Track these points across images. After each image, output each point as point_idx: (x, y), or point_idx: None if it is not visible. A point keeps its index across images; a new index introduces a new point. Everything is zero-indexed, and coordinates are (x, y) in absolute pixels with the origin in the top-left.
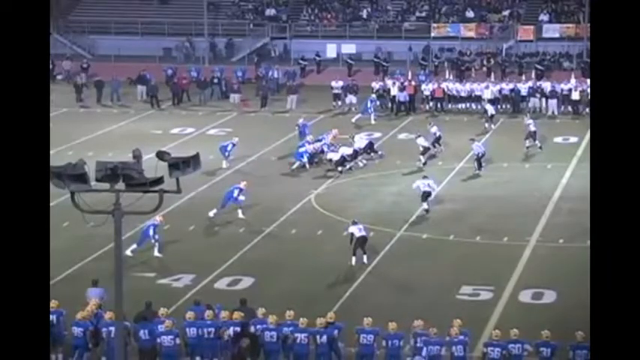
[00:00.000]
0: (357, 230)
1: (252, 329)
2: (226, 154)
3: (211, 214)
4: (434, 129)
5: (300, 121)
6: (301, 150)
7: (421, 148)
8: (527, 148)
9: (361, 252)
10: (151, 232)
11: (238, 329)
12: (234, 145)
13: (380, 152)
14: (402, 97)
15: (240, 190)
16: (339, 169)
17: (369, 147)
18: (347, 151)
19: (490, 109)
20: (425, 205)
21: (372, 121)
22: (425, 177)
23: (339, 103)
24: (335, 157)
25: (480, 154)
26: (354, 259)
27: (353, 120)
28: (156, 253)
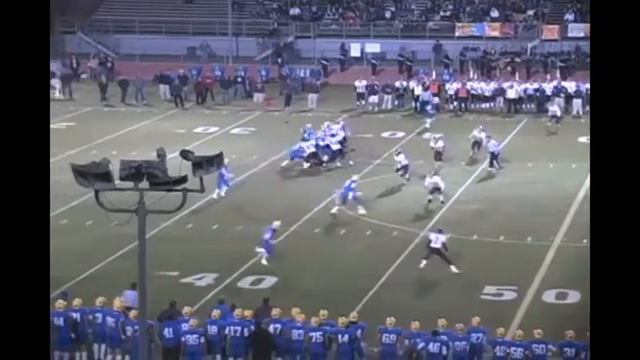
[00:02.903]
0: (434, 238)
1: (270, 328)
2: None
3: (334, 210)
4: (476, 133)
5: (308, 125)
6: (295, 148)
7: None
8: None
9: (445, 262)
10: (268, 235)
11: (255, 327)
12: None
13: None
14: (426, 96)
15: (352, 184)
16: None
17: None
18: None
19: (556, 110)
20: (440, 197)
21: (428, 125)
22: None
23: (363, 102)
24: (336, 147)
25: (496, 153)
26: (424, 262)
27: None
28: (263, 262)
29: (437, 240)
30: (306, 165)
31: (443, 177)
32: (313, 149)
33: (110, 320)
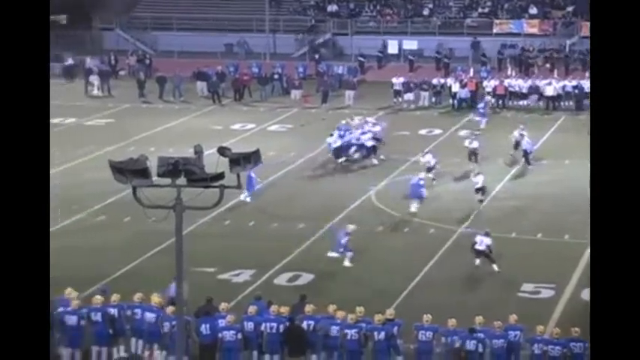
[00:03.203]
0: (479, 241)
1: (304, 324)
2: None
3: (413, 209)
4: (516, 133)
5: (343, 122)
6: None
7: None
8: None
9: (488, 261)
10: (344, 240)
11: (289, 324)
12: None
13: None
14: (463, 93)
15: (420, 181)
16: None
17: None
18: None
19: None
20: (480, 196)
21: (483, 125)
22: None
23: (399, 99)
24: (369, 143)
25: (528, 151)
26: (477, 260)
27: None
28: (347, 263)
29: (481, 242)
30: (339, 161)
31: (483, 175)
32: (339, 143)
33: (149, 316)
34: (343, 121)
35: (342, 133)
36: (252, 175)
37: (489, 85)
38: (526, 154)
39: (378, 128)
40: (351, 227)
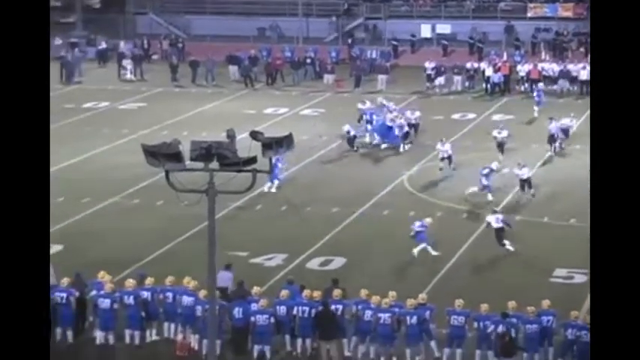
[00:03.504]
0: (494, 220)
1: (332, 307)
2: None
3: (489, 197)
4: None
5: (363, 107)
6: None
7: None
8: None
9: (501, 242)
10: (424, 234)
11: (322, 308)
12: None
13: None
14: (497, 78)
15: (491, 170)
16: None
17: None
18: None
19: None
20: (531, 191)
21: (535, 114)
22: (523, 166)
23: (432, 83)
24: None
25: (557, 135)
26: (507, 244)
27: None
28: (432, 252)
29: (498, 220)
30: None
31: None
32: (352, 133)
33: (187, 299)
34: (362, 105)
35: (368, 117)
36: (279, 164)
37: (523, 69)
38: (552, 139)
39: (417, 114)
40: (427, 220)
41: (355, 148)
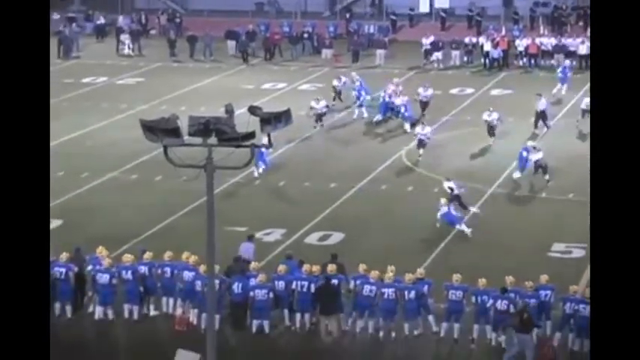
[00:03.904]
0: (455, 186)
1: (333, 282)
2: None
3: (515, 175)
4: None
5: (344, 80)
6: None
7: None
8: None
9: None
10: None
11: (322, 282)
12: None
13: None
14: (496, 53)
15: (527, 150)
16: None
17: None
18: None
19: None
20: (546, 177)
21: (563, 91)
22: (534, 148)
23: (430, 58)
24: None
25: (543, 110)
26: (472, 209)
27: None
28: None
29: (458, 188)
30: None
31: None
32: (325, 109)
33: (187, 274)
34: (337, 82)
35: (357, 93)
36: (263, 150)
37: (521, 43)
38: (543, 115)
39: (430, 92)
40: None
41: (321, 124)
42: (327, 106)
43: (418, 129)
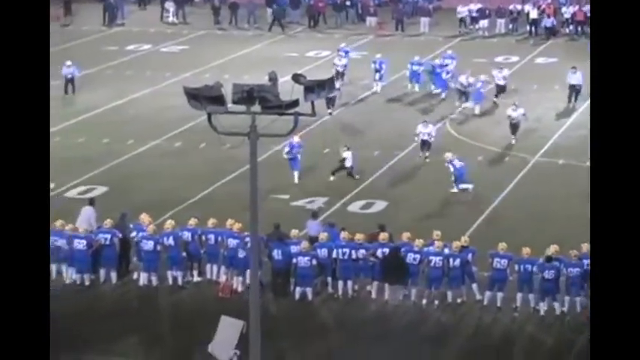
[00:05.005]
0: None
1: (378, 252)
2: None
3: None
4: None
5: (378, 56)
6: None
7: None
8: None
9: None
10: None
11: (386, 250)
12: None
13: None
14: (549, 22)
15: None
16: None
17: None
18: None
19: None
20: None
21: None
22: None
23: (476, 26)
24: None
25: (572, 85)
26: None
27: None
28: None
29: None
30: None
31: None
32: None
33: (232, 242)
34: (338, 61)
35: (377, 66)
36: (298, 156)
37: (568, 11)
38: (575, 89)
39: (506, 72)
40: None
41: (330, 112)
42: (338, 89)
43: (421, 128)
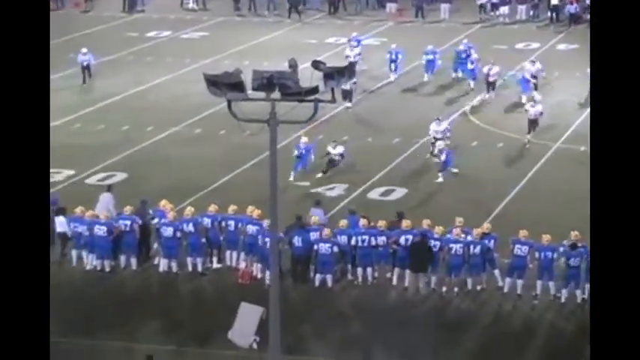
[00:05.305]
0: (332, 149)
1: (429, 239)
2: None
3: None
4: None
5: (393, 46)
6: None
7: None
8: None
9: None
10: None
11: (410, 237)
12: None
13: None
14: (572, 8)
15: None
16: None
17: None
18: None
19: None
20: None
21: None
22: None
23: (493, 13)
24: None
25: None
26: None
27: None
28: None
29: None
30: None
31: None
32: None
33: (251, 228)
34: (350, 51)
35: (394, 57)
36: (312, 155)
37: None
38: None
39: (538, 66)
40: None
41: (350, 105)
42: (354, 83)
43: (433, 126)
